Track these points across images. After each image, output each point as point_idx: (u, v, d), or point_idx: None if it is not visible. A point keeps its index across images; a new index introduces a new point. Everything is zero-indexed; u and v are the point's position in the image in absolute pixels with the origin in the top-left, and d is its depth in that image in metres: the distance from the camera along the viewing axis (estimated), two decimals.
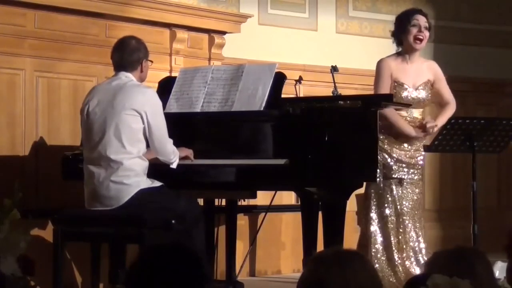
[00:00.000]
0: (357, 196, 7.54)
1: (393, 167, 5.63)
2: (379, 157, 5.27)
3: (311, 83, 7.30)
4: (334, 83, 5.99)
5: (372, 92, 5.96)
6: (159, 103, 4.96)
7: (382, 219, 5.62)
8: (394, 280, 5.52)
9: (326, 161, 4.76)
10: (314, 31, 8.27)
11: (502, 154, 6.31)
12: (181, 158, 4.99)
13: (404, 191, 5.66)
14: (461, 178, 8.34)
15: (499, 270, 4.01)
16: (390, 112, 5.55)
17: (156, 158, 4.96)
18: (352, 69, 7.73)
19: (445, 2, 9.00)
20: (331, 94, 5.94)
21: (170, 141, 4.94)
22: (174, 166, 4.96)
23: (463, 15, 9.12)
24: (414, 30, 5.66)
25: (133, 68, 5.03)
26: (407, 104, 5.58)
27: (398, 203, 5.62)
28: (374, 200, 5.63)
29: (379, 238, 5.60)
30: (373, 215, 5.63)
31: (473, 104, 8.82)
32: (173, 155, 4.95)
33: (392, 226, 5.61)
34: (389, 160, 5.62)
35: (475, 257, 2.62)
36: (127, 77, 5.00)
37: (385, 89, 5.62)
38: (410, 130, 5.62)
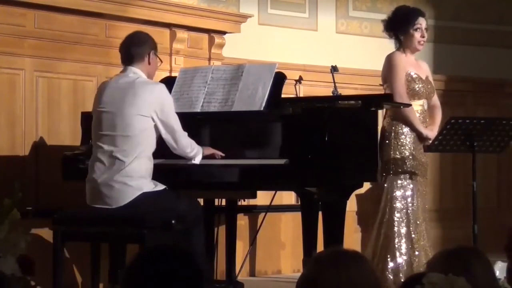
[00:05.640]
0: (357, 196, 7.54)
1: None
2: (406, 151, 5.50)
3: (311, 83, 7.29)
4: (334, 83, 5.98)
5: (372, 92, 5.96)
6: (167, 98, 4.91)
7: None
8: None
9: (326, 161, 4.75)
10: (314, 31, 8.27)
11: (502, 154, 6.30)
12: (206, 156, 4.96)
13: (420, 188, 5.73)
14: (461, 178, 8.34)
15: (499, 270, 4.00)
16: (409, 110, 5.58)
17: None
18: (352, 69, 7.72)
19: (445, 2, 9.00)
20: (331, 94, 5.94)
21: (184, 134, 4.90)
22: (196, 161, 4.92)
23: (463, 15, 9.12)
24: (417, 35, 5.71)
25: (140, 59, 4.96)
26: (407, 104, 5.59)
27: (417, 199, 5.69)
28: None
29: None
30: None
31: (473, 104, 8.82)
32: (189, 149, 4.89)
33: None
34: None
35: (473, 256, 2.62)
36: (135, 73, 4.94)
37: (401, 82, 5.65)
38: (423, 130, 5.66)
